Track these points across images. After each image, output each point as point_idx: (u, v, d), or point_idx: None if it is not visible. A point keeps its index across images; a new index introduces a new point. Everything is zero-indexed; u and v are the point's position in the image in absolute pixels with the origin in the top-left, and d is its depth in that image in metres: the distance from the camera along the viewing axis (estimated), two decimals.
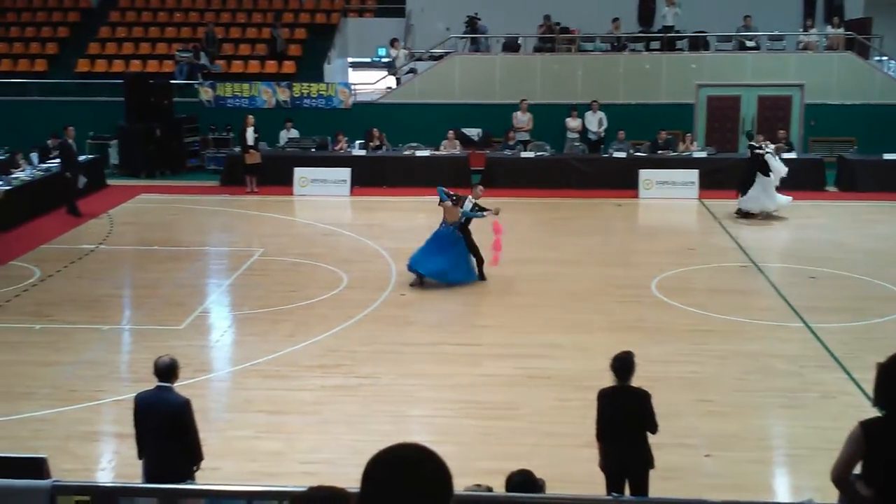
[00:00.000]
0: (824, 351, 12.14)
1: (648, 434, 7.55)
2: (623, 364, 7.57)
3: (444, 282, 14.92)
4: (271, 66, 27.72)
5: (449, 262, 14.89)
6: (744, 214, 19.72)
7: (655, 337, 12.55)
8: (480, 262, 15.16)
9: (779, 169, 19.61)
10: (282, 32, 28.35)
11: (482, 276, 15.14)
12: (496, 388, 11.00)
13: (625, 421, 7.54)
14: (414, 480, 2.61)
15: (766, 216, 19.65)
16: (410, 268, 14.96)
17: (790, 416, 10.39)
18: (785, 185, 21.80)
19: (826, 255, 16.83)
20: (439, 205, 15.12)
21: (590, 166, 23.22)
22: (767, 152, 19.67)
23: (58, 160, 20.90)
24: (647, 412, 7.51)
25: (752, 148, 20.09)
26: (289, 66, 27.73)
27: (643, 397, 7.54)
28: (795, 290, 14.77)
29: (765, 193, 19.54)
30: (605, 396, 7.65)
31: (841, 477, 5.21)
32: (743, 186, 19.81)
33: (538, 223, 19.73)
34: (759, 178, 19.51)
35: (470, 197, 15.09)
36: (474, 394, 10.82)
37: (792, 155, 23.06)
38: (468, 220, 15.13)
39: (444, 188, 15.28)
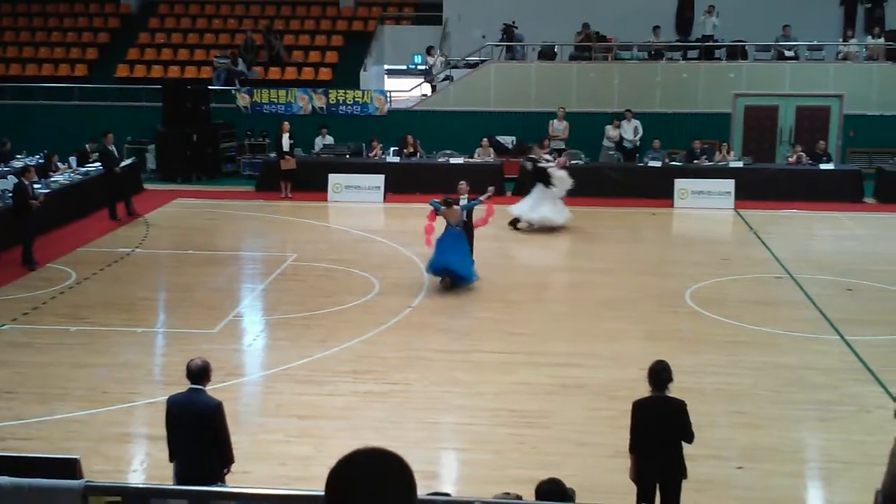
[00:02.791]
0: (860, 364, 11.99)
1: (683, 444, 7.49)
2: (659, 374, 7.50)
3: (457, 279, 15.07)
4: (308, 73, 27.87)
5: (458, 260, 15.02)
6: (521, 225, 19.45)
7: (690, 347, 12.45)
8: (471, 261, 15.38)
9: (564, 180, 19.35)
10: (277, 38, 28.42)
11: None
12: (529, 396, 10.96)
13: (661, 431, 7.47)
14: (382, 481, 2.74)
15: (544, 227, 19.29)
16: (436, 272, 15.09)
17: (825, 430, 10.25)
18: (824, 196, 21.66)
19: (863, 266, 16.62)
20: (438, 214, 15.15)
21: (625, 175, 23.11)
22: (550, 166, 19.48)
23: (97, 164, 21.11)
24: (683, 422, 7.44)
25: (531, 160, 19.86)
26: (325, 73, 27.87)
27: (679, 407, 7.48)
28: (832, 302, 14.60)
29: (545, 204, 19.21)
30: (640, 407, 7.57)
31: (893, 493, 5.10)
32: (522, 196, 19.84)
33: (572, 232, 19.62)
34: (539, 188, 19.34)
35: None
36: (507, 402, 10.79)
37: (830, 166, 22.89)
38: (470, 215, 15.47)
39: (435, 200, 15.31)
